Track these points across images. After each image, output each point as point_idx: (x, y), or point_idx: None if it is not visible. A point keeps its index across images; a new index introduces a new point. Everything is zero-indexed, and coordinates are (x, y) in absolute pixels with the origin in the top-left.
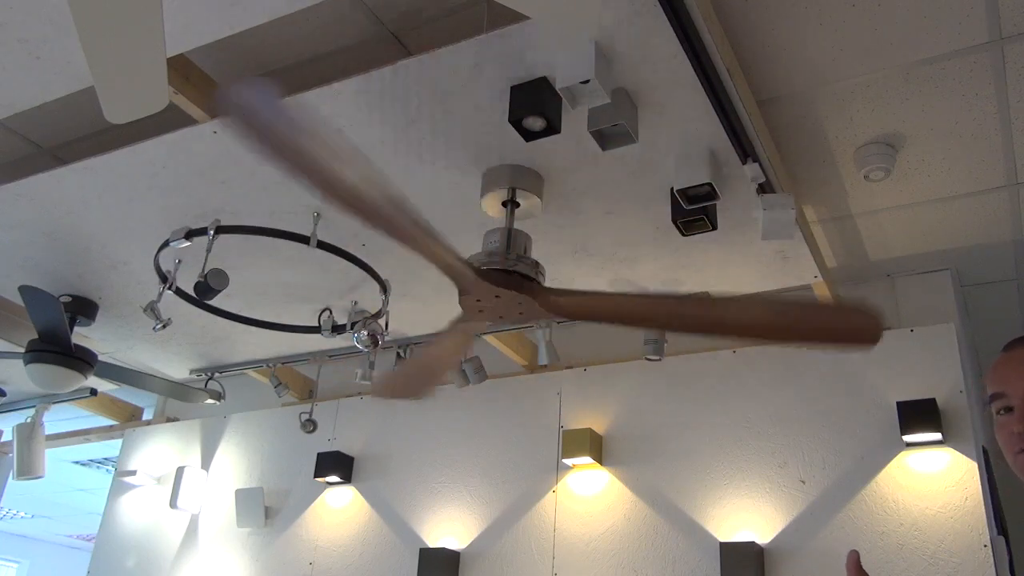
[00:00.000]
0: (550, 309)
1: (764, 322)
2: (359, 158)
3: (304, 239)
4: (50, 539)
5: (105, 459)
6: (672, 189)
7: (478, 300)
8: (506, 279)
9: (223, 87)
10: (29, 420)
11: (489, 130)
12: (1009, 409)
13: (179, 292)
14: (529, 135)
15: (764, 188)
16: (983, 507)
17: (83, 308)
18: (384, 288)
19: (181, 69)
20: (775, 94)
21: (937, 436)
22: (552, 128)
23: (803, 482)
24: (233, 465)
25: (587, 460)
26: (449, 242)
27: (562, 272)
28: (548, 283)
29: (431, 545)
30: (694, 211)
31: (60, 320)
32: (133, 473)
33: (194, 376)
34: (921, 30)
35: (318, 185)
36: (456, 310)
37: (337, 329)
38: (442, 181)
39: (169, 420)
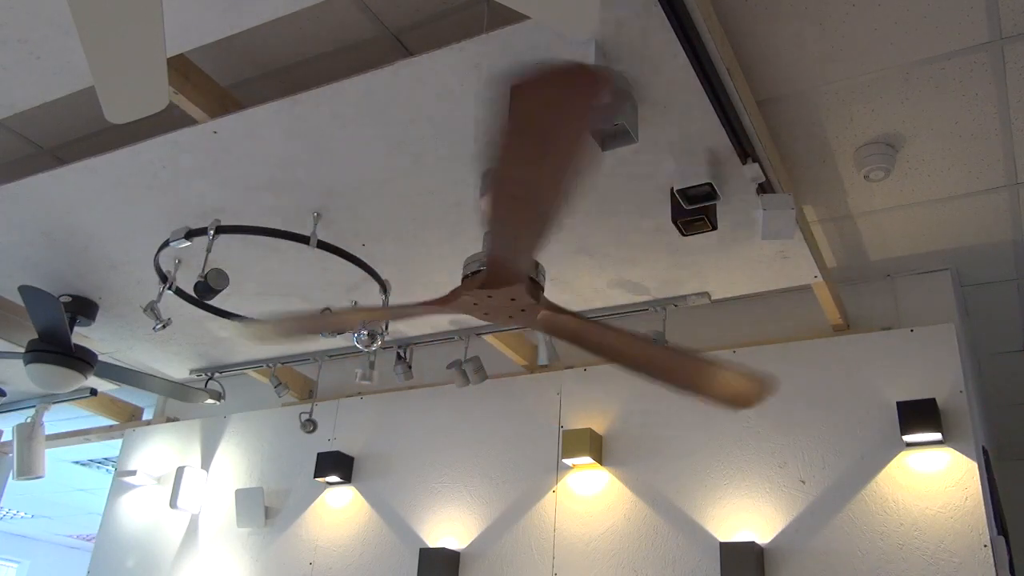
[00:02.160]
0: (541, 322)
1: (727, 393)
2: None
3: (304, 239)
4: (50, 539)
5: (105, 459)
6: (672, 189)
7: (489, 297)
8: (530, 287)
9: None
10: (29, 420)
11: (489, 130)
12: None
13: (179, 292)
14: None
15: (764, 188)
16: (983, 507)
17: (83, 308)
18: (384, 288)
19: (181, 69)
20: (775, 94)
21: (937, 436)
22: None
23: (803, 482)
24: (233, 465)
25: (587, 460)
26: (414, 305)
27: (562, 272)
28: (548, 283)
29: (431, 545)
30: (694, 211)
31: (60, 320)
32: (133, 473)
33: (194, 376)
34: (921, 30)
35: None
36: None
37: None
38: (442, 181)
39: (169, 420)
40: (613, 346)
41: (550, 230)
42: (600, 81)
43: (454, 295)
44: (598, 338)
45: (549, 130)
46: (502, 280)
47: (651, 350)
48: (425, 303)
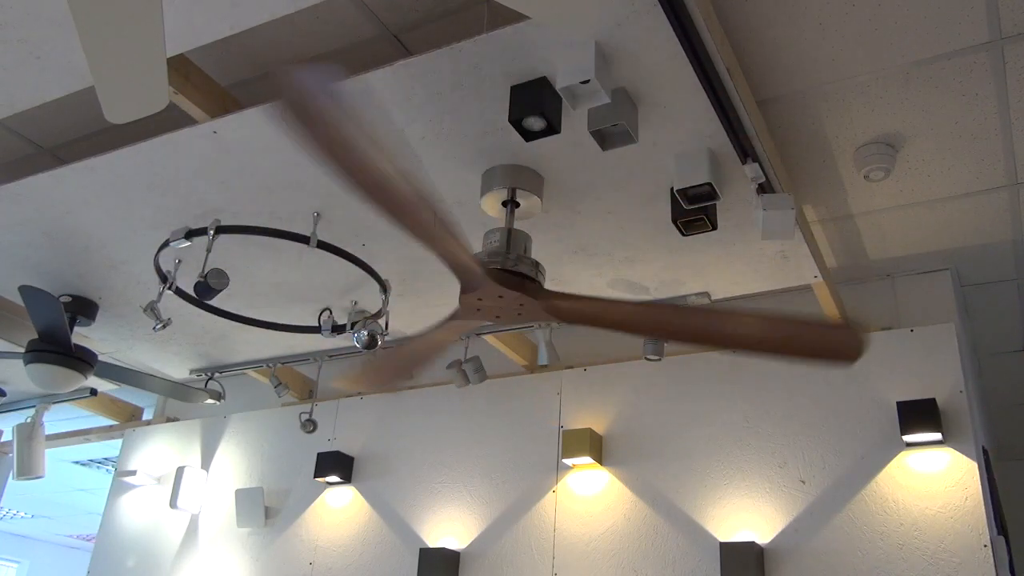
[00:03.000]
0: (551, 312)
1: (757, 337)
2: (398, 148)
3: (304, 239)
4: (50, 539)
5: (105, 459)
6: (672, 189)
7: (480, 299)
8: (513, 280)
9: (283, 70)
10: (29, 420)
11: (489, 130)
12: None
13: (179, 292)
14: (529, 135)
15: (764, 188)
16: (983, 507)
17: (83, 308)
18: (384, 288)
19: (181, 69)
20: (775, 94)
21: (937, 436)
22: (552, 128)
23: (803, 482)
24: (233, 465)
25: (587, 460)
26: (467, 241)
27: (562, 272)
28: (548, 284)
29: (431, 545)
30: (694, 211)
31: (60, 320)
32: (133, 473)
33: (194, 376)
34: (921, 30)
35: (352, 173)
36: (453, 306)
37: (337, 329)
38: (442, 181)
39: (169, 420)
40: (634, 318)
41: (436, 217)
42: (309, 79)
43: (458, 310)
44: (615, 314)
45: (340, 134)
46: (470, 284)
47: (679, 313)
48: (442, 323)
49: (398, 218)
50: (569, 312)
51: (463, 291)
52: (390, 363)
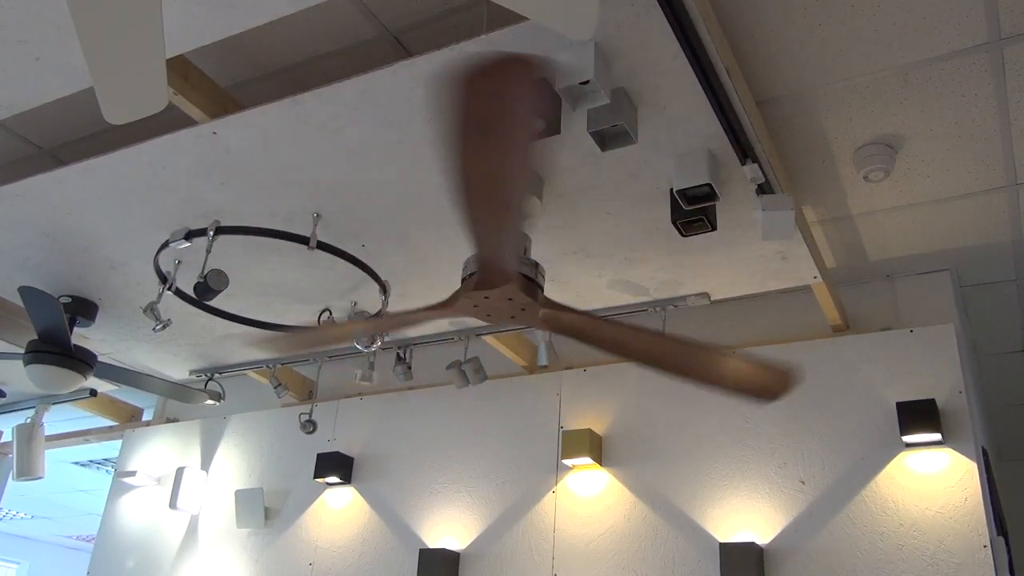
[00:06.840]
0: (544, 321)
1: (734, 382)
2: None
3: (304, 240)
4: (50, 540)
5: (105, 460)
6: (672, 190)
7: (486, 298)
8: (529, 286)
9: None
10: (29, 421)
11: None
12: None
13: (179, 293)
14: None
15: (763, 189)
16: (983, 508)
17: (83, 309)
18: (383, 289)
19: (181, 70)
20: (774, 94)
21: (937, 437)
22: (551, 129)
23: (803, 482)
24: (233, 466)
25: (587, 461)
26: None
27: (562, 273)
28: (548, 284)
29: (431, 546)
30: (694, 212)
31: (60, 321)
32: (133, 474)
33: (194, 377)
34: (920, 30)
35: (471, 154)
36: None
37: None
38: (442, 181)
39: (169, 421)
40: (619, 340)
41: (522, 223)
42: (533, 69)
43: (453, 299)
44: (603, 333)
45: (500, 122)
46: (495, 280)
47: (661, 343)
48: (427, 308)
49: (475, 205)
50: (562, 325)
51: (477, 286)
52: (351, 328)
